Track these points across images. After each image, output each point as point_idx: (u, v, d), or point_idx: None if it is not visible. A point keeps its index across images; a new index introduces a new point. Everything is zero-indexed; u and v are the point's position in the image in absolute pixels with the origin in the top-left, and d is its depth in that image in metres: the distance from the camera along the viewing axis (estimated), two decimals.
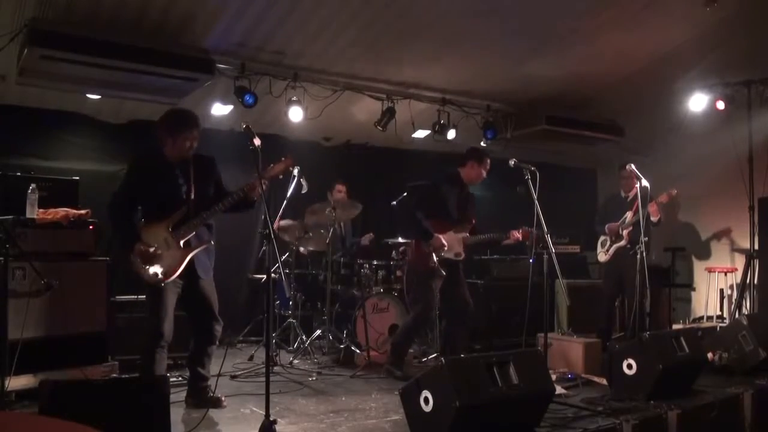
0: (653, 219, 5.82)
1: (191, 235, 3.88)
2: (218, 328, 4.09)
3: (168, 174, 3.90)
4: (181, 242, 3.84)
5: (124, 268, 3.88)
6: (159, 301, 3.79)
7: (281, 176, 4.06)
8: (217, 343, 4.20)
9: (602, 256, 6.40)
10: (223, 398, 4.10)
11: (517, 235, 5.06)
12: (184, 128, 3.87)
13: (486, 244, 5.27)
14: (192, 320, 4.16)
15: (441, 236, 4.93)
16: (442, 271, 4.94)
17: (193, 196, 3.91)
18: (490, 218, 5.24)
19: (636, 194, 6.04)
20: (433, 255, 4.89)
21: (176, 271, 3.80)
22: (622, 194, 6.34)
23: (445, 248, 4.92)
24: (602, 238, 6.41)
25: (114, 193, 3.93)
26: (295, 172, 5.76)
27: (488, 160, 5.16)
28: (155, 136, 3.95)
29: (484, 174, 5.15)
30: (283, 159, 3.99)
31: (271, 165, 3.96)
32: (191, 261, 3.88)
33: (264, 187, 3.77)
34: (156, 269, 3.75)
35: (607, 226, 6.25)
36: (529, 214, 4.67)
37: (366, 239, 6.73)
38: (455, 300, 5.06)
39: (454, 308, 5.10)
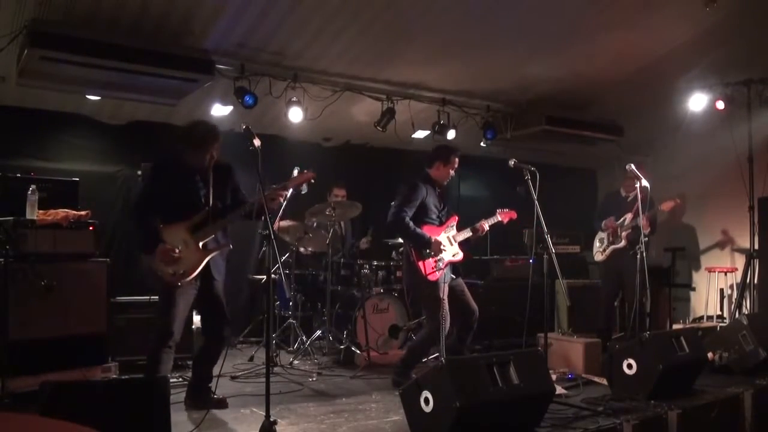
0: (644, 231, 5.75)
1: (210, 237, 3.96)
2: (228, 330, 4.15)
3: (188, 179, 3.99)
4: (200, 244, 3.91)
5: (145, 268, 3.97)
6: (172, 301, 3.85)
7: (301, 188, 4.26)
8: (227, 344, 4.25)
9: (599, 256, 6.38)
10: (226, 399, 4.11)
11: (485, 225, 4.91)
12: (206, 144, 3.97)
13: (470, 239, 4.99)
14: (204, 322, 4.25)
15: (438, 238, 4.74)
16: (452, 275, 4.80)
17: (212, 201, 4.00)
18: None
19: (636, 195, 6.05)
20: (437, 261, 4.65)
21: (194, 271, 3.87)
22: (623, 193, 6.33)
23: (445, 250, 4.73)
24: (599, 236, 6.39)
25: (137, 195, 4.06)
26: (295, 172, 5.74)
27: (456, 159, 4.89)
28: (178, 143, 4.04)
29: (452, 173, 4.93)
30: (305, 171, 4.18)
31: (294, 175, 4.16)
32: (207, 263, 3.95)
33: (285, 196, 4.05)
34: (175, 269, 3.81)
35: (604, 221, 6.24)
36: (529, 214, 4.67)
37: (364, 243, 6.70)
38: (461, 310, 4.85)
39: (460, 318, 4.87)
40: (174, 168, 4.04)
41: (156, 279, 3.88)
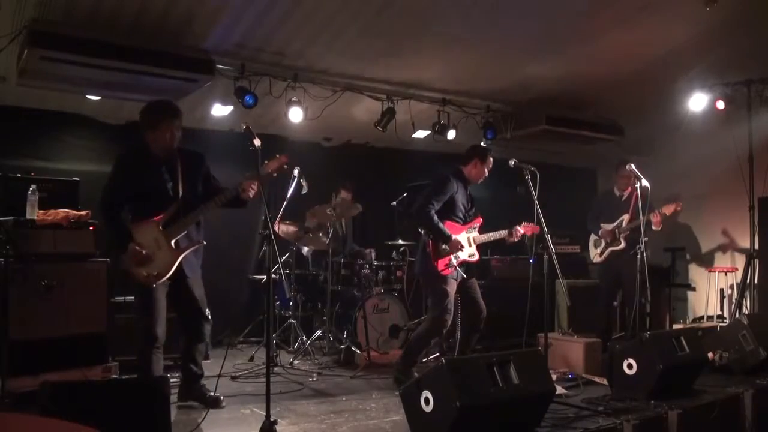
0: (655, 228, 5.77)
1: (182, 234, 3.82)
2: (207, 326, 4.07)
3: (153, 171, 3.84)
4: (172, 242, 3.79)
5: (117, 268, 3.88)
6: (151, 303, 3.77)
7: (275, 174, 3.96)
8: (207, 340, 4.20)
9: (596, 258, 6.34)
10: (222, 398, 4.10)
11: (520, 230, 4.94)
12: (162, 119, 3.82)
13: (492, 242, 5.08)
14: (180, 319, 4.13)
15: (458, 237, 4.75)
16: (463, 274, 4.79)
17: (181, 193, 3.85)
18: (489, 219, 5.19)
19: (631, 194, 6.05)
20: (452, 258, 4.70)
21: (168, 271, 3.76)
22: (617, 192, 6.30)
23: (462, 250, 4.73)
24: (595, 237, 6.37)
25: (102, 192, 3.89)
26: (296, 172, 5.78)
27: (491, 159, 4.97)
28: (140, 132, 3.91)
29: (486, 173, 4.97)
30: (277, 156, 3.94)
31: (266, 162, 3.89)
32: (181, 260, 3.83)
33: (253, 188, 3.81)
34: (148, 270, 3.70)
35: (600, 230, 6.21)
36: (529, 214, 4.67)
37: (368, 254, 6.65)
38: (470, 308, 4.87)
39: (468, 315, 4.91)
40: (137, 159, 3.88)
41: (132, 281, 3.77)
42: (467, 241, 4.84)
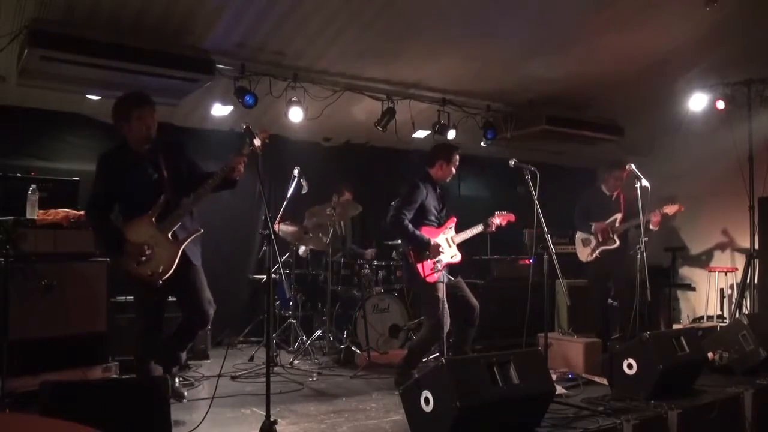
0: (652, 228, 5.74)
1: (177, 226, 3.74)
2: (211, 312, 3.95)
3: (137, 167, 3.77)
4: (169, 235, 3.70)
5: (117, 268, 3.82)
6: (150, 303, 3.73)
7: (260, 151, 3.74)
8: (209, 326, 4.13)
9: (588, 257, 6.26)
10: (186, 393, 4.08)
11: (496, 220, 4.93)
12: (133, 108, 3.73)
13: (473, 237, 5.02)
14: (184, 304, 3.99)
15: (437, 240, 4.73)
16: (450, 277, 4.77)
17: (168, 185, 3.77)
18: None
19: (619, 195, 6.05)
20: (435, 263, 4.65)
21: (171, 266, 3.67)
22: (606, 192, 6.28)
23: (443, 252, 4.73)
24: (584, 236, 6.30)
25: (89, 198, 3.84)
26: (296, 172, 5.79)
27: (457, 156, 4.91)
28: (116, 131, 3.84)
29: (454, 171, 4.93)
30: (257, 132, 3.72)
31: (246, 140, 3.70)
32: (183, 251, 3.76)
33: (242, 164, 3.72)
34: (151, 268, 3.64)
35: (594, 226, 6.13)
36: (529, 214, 4.67)
37: (369, 254, 6.65)
38: (462, 307, 4.85)
39: (461, 314, 4.87)
40: (118, 158, 3.80)
41: (131, 281, 3.70)
42: (446, 243, 4.81)
